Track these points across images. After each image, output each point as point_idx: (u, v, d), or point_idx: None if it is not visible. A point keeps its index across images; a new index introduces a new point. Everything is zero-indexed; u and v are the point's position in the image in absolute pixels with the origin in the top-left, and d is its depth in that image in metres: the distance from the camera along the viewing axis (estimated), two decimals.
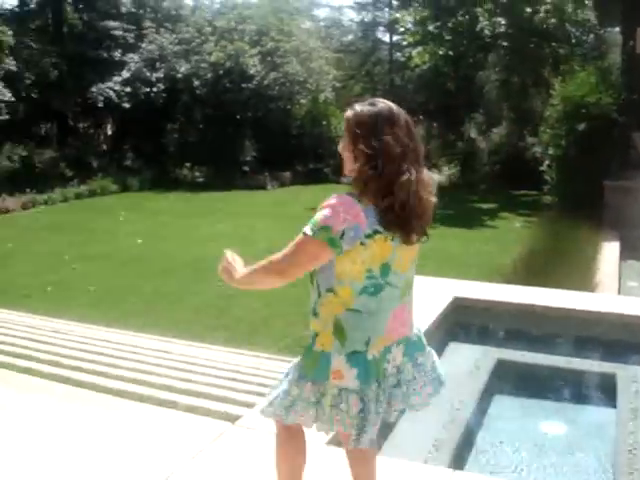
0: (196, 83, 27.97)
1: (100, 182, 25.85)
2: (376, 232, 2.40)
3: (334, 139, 28.85)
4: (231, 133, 27.61)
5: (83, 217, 20.40)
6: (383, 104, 2.51)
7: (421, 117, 29.41)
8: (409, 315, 2.71)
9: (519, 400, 4.92)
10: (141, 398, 4.52)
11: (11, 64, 24.65)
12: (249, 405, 4.32)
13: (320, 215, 2.39)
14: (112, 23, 29.65)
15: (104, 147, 31.78)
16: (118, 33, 29.62)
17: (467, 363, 5.25)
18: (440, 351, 5.50)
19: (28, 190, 22.98)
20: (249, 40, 28.75)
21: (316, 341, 2.56)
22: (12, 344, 6.29)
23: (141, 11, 31.46)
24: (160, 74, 28.86)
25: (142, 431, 3.98)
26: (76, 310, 10.01)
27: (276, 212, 19.71)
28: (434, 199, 2.56)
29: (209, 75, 27.83)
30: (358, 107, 2.51)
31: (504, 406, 4.81)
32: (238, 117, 27.97)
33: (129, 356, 6.27)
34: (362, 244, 2.38)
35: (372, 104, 2.51)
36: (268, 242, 14.40)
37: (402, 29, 32.45)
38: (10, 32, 24.83)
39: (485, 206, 20.28)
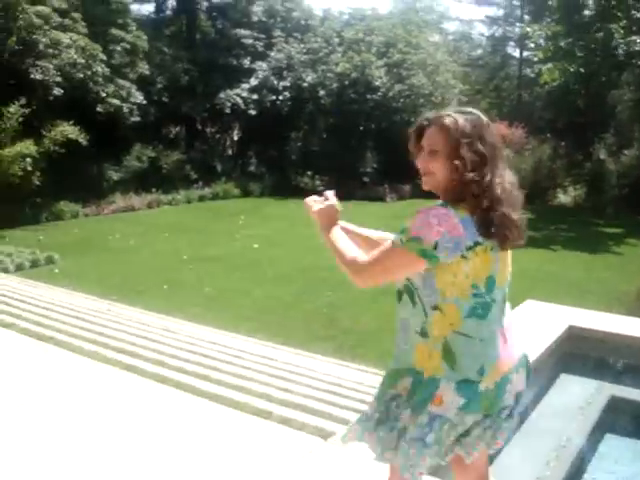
0: (321, 93, 28.28)
1: (223, 186, 26.54)
2: (477, 243, 2.25)
3: None
4: (353, 144, 27.72)
5: (204, 219, 20.92)
6: (476, 111, 2.42)
7: (548, 135, 28.61)
8: (516, 333, 2.53)
9: (632, 441, 4.59)
10: (237, 405, 4.49)
11: (144, 68, 25.64)
12: (345, 422, 4.21)
13: (411, 225, 2.26)
14: (243, 31, 30.40)
15: (229, 152, 32.53)
16: (248, 41, 30.33)
17: (578, 397, 4.96)
18: (550, 382, 5.25)
19: (154, 190, 23.84)
20: (376, 51, 28.85)
21: (425, 368, 2.36)
22: (121, 339, 6.43)
23: (271, 20, 32.07)
24: (287, 83, 29.36)
25: (231, 440, 3.95)
26: (189, 309, 10.21)
27: (393, 225, 19.45)
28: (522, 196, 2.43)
29: (335, 85, 28.08)
30: (455, 116, 2.36)
31: (615, 446, 4.50)
32: (361, 128, 28.07)
33: (233, 360, 6.28)
34: (463, 257, 2.23)
35: (467, 112, 2.40)
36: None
37: (533, 44, 31.72)
38: (145, 37, 25.80)
39: (610, 231, 19.47)
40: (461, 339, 2.30)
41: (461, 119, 2.35)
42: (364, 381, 6.01)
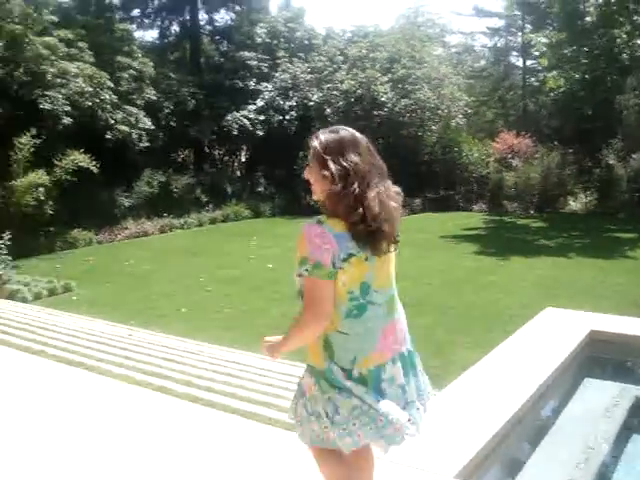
0: (328, 111, 28.41)
1: (233, 207, 26.67)
2: (351, 255, 2.55)
3: (466, 166, 28.55)
4: None
5: (217, 241, 21.03)
6: (345, 130, 2.71)
7: (556, 143, 28.64)
8: (402, 332, 2.80)
9: None
10: (269, 421, 4.57)
11: (151, 94, 25.87)
12: None
13: (306, 254, 2.56)
14: (247, 53, 30.64)
15: (238, 174, 32.68)
16: (253, 63, 30.55)
17: (603, 400, 5.00)
18: (575, 386, 5.30)
19: (165, 214, 23.97)
20: (380, 67, 28.96)
21: (317, 362, 2.67)
22: (147, 362, 6.52)
23: (275, 41, 32.30)
24: (293, 102, 29.56)
25: (267, 455, 4.01)
26: (209, 331, 10.29)
27: (406, 239, 19.30)
28: (400, 208, 2.74)
29: (340, 103, 28.23)
30: (322, 135, 2.69)
31: None
32: None
33: (257, 378, 6.35)
34: (341, 268, 2.54)
35: (334, 131, 2.70)
36: (397, 268, 14.35)
37: (536, 53, 31.86)
38: (151, 63, 26.07)
39: (624, 235, 19.46)
40: (339, 336, 2.63)
41: (325, 137, 2.67)
42: None
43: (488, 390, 4.50)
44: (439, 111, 29.36)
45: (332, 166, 2.58)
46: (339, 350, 2.62)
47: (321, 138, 2.67)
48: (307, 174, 2.73)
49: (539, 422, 4.89)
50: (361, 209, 2.54)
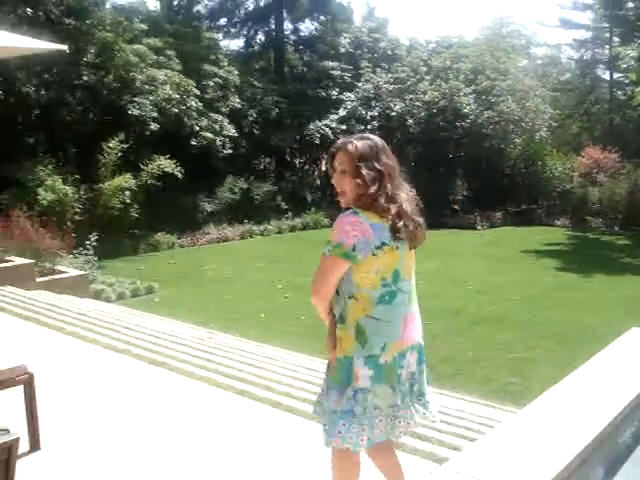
0: (410, 121, 28.37)
1: (313, 216, 26.82)
2: (384, 244, 2.75)
3: (550, 180, 28.04)
4: (443, 171, 27.66)
5: (296, 249, 21.18)
6: (373, 137, 2.94)
7: None
8: (418, 322, 2.98)
9: None
10: None
11: (236, 102, 26.32)
12: (456, 448, 4.28)
13: (333, 237, 2.75)
14: (331, 63, 30.88)
15: (318, 182, 32.86)
16: (336, 73, 30.75)
17: None
18: None
19: (246, 221, 24.28)
20: (464, 79, 28.78)
21: (338, 349, 2.84)
22: (228, 366, 6.63)
23: (358, 51, 32.47)
24: (375, 112, 29.61)
25: None
26: (286, 338, 10.40)
27: (486, 252, 19.42)
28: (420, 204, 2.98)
29: (423, 114, 28.14)
30: (356, 142, 2.87)
31: None
32: (450, 155, 27.99)
33: None
34: (374, 255, 2.74)
35: (365, 138, 2.92)
36: (477, 282, 14.23)
37: (624, 66, 31.08)
38: (236, 72, 26.55)
39: None
40: (372, 322, 2.79)
41: (360, 144, 2.86)
42: (465, 409, 6.04)
43: (569, 411, 4.42)
44: (523, 124, 28.97)
45: (367, 171, 2.79)
46: (372, 336, 2.78)
47: (356, 144, 2.86)
48: (336, 181, 2.91)
49: (621, 446, 4.78)
50: (395, 208, 2.77)
